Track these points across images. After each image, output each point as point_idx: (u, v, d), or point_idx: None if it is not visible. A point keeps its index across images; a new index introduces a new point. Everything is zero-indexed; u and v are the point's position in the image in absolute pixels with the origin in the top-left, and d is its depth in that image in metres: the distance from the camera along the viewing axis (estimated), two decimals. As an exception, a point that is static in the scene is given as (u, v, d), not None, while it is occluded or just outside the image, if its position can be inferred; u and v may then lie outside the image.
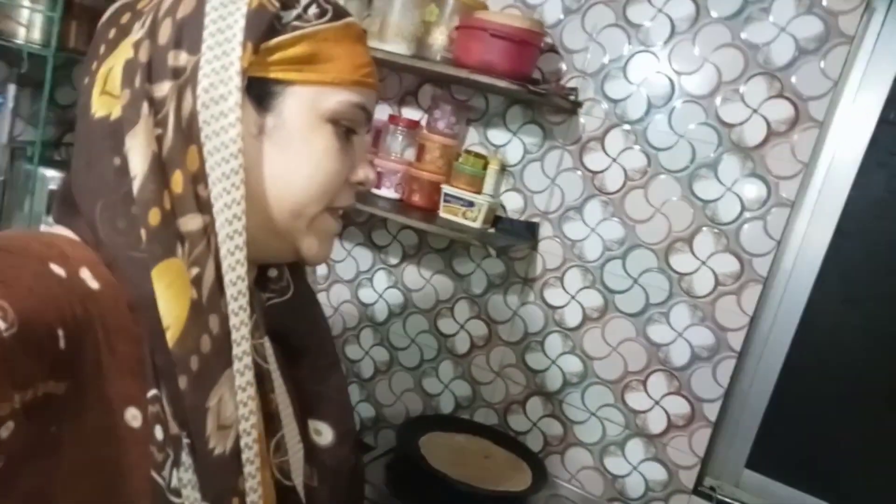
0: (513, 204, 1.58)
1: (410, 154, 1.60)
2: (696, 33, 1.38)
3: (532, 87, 1.27)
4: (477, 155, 1.53)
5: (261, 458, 0.54)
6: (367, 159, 0.62)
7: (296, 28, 0.54)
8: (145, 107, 0.50)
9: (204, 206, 0.51)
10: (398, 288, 1.71)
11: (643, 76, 1.43)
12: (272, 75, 0.54)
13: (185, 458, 0.50)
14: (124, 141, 0.50)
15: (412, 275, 1.69)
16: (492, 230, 1.54)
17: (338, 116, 0.56)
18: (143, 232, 0.48)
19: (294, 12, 0.54)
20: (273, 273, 0.65)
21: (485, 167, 1.53)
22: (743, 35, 1.34)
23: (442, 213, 1.53)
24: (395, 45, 1.48)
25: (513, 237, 1.51)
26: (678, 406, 1.44)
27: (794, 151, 1.32)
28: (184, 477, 0.50)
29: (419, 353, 1.70)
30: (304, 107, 0.55)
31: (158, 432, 0.49)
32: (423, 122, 1.62)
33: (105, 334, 0.47)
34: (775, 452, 1.46)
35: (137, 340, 0.49)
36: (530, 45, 1.37)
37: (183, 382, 0.48)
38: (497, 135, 1.58)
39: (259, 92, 0.54)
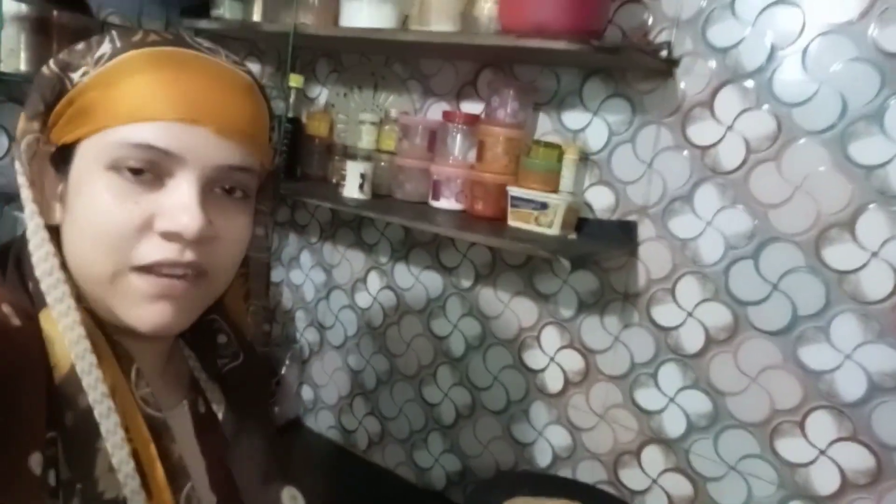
0: (601, 201, 1.24)
1: (474, 155, 1.33)
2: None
3: (597, 42, 0.95)
4: (548, 144, 1.22)
5: None
6: (184, 205, 0.52)
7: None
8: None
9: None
10: (474, 315, 1.43)
11: (758, 9, 1.06)
12: (65, 139, 0.53)
13: None
14: None
15: (488, 298, 1.40)
16: (573, 236, 1.21)
17: (116, 162, 0.51)
18: (30, 284, 0.52)
19: (83, 69, 0.53)
20: (222, 339, 0.67)
21: (559, 158, 1.23)
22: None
23: (510, 222, 1.23)
24: (439, 25, 1.23)
25: (600, 243, 1.18)
26: (855, 457, 1.03)
27: None
28: None
29: (505, 393, 1.40)
30: (86, 161, 0.52)
31: (51, 478, 0.48)
32: (483, 115, 1.34)
33: (21, 371, 0.47)
34: None
35: (44, 380, 0.49)
36: (596, -9, 1.06)
37: (69, 419, 0.48)
38: (574, 117, 1.27)
39: (59, 159, 0.54)
